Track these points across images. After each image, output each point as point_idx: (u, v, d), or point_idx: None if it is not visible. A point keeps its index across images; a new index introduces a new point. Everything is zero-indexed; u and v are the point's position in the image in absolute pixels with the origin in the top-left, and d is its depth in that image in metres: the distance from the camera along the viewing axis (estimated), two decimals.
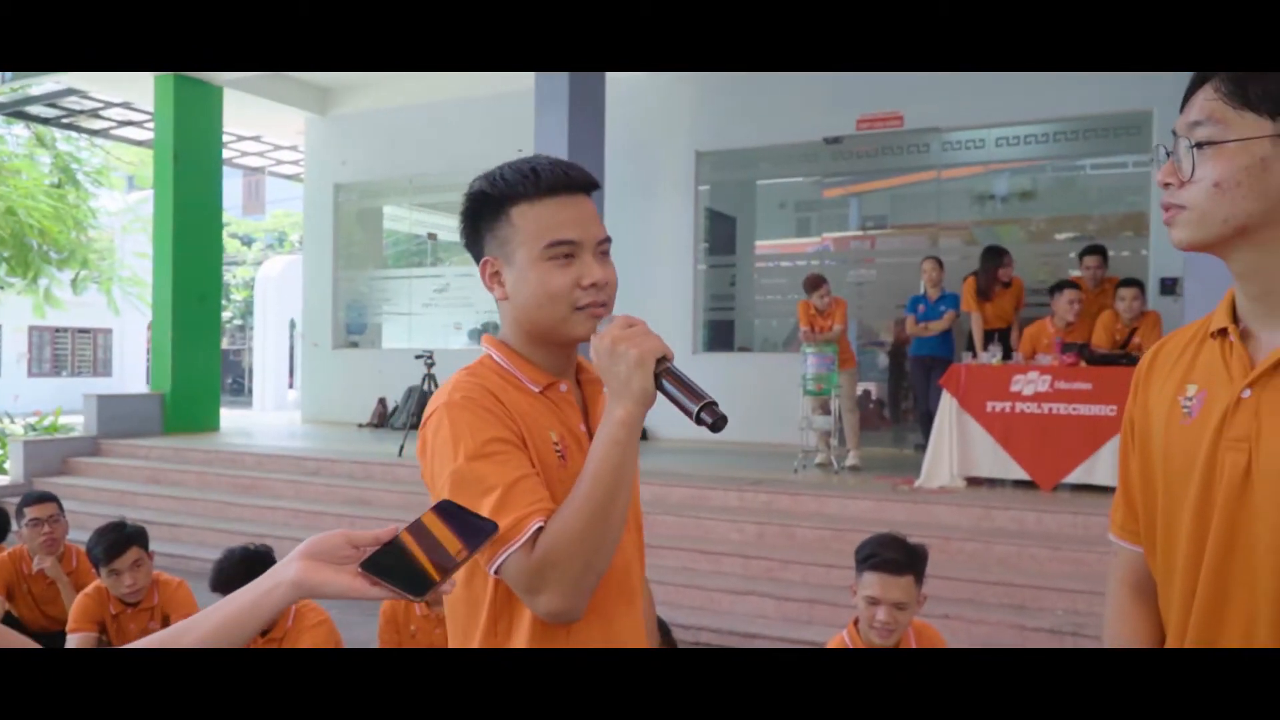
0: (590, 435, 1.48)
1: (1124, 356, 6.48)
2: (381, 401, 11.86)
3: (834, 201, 10.77)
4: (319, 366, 12.76)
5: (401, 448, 8.74)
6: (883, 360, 10.11)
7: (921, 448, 7.63)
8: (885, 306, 9.97)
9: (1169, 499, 1.29)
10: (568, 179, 1.44)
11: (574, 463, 1.42)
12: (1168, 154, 1.23)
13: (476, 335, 12.07)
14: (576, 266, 1.41)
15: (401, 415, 11.20)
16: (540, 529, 1.30)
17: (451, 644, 1.49)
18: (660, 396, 1.33)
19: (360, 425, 11.76)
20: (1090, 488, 6.32)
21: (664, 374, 1.31)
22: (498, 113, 10.62)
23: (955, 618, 4.98)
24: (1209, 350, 1.28)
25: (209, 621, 1.04)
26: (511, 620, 1.39)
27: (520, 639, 1.38)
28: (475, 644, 1.43)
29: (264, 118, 12.79)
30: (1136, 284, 6.81)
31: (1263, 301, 1.22)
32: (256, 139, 14.26)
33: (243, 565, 3.15)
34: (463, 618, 1.44)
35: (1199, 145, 1.18)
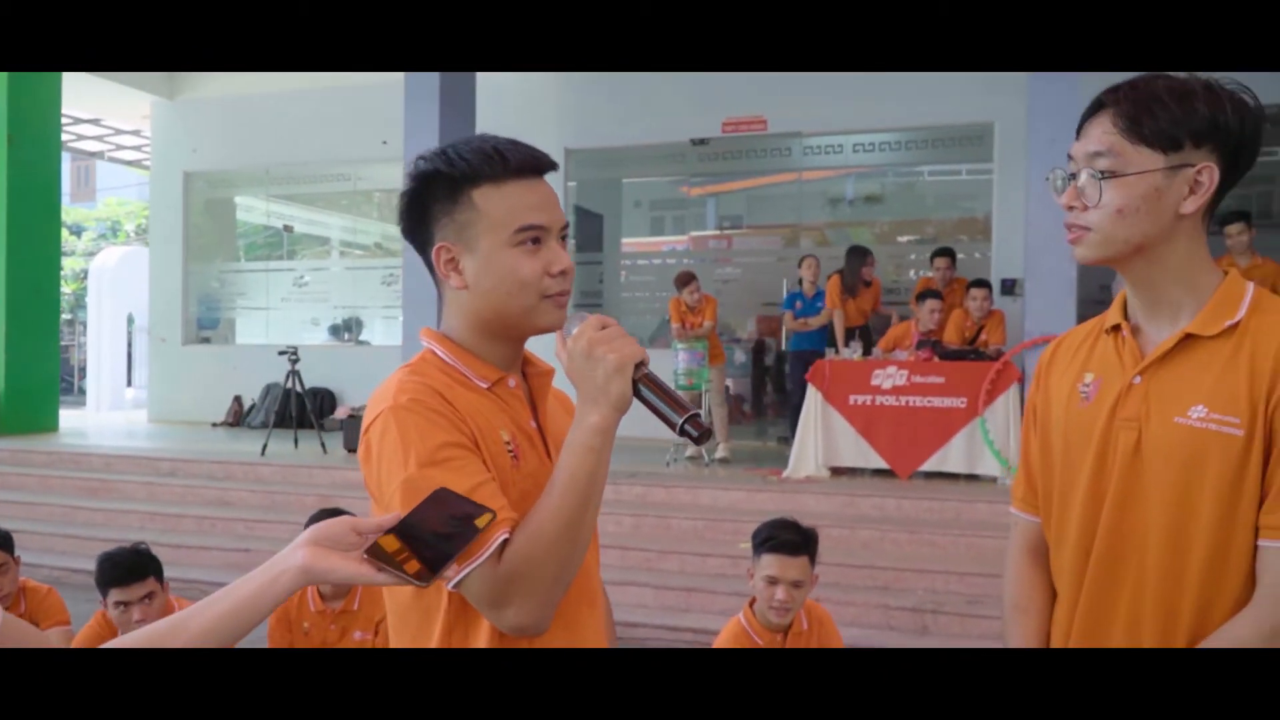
0: (541, 432, 1.41)
1: (973, 352, 6.94)
2: (237, 399, 11.43)
3: (697, 201, 11.05)
4: (167, 363, 12.17)
5: (264, 446, 8.46)
6: (740, 356, 10.43)
7: (784, 440, 7.94)
8: (744, 304, 10.29)
9: (1066, 472, 1.49)
10: (535, 160, 1.35)
11: (527, 462, 1.35)
12: (1071, 177, 1.41)
13: (338, 332, 11.77)
14: (545, 253, 1.34)
15: (260, 413, 10.83)
16: (505, 540, 1.22)
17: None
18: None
19: (214, 424, 11.30)
20: (943, 475, 6.75)
21: (643, 380, 1.24)
22: (361, 103, 10.38)
23: (825, 600, 5.14)
24: (1104, 344, 1.49)
25: (211, 611, 1.02)
26: (468, 630, 1.30)
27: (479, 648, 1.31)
28: None
29: (105, 100, 12.12)
30: (986, 285, 7.30)
31: (1152, 304, 1.44)
32: (95, 122, 13.50)
33: (134, 555, 3.06)
34: (414, 626, 1.34)
35: (1103, 175, 1.36)
